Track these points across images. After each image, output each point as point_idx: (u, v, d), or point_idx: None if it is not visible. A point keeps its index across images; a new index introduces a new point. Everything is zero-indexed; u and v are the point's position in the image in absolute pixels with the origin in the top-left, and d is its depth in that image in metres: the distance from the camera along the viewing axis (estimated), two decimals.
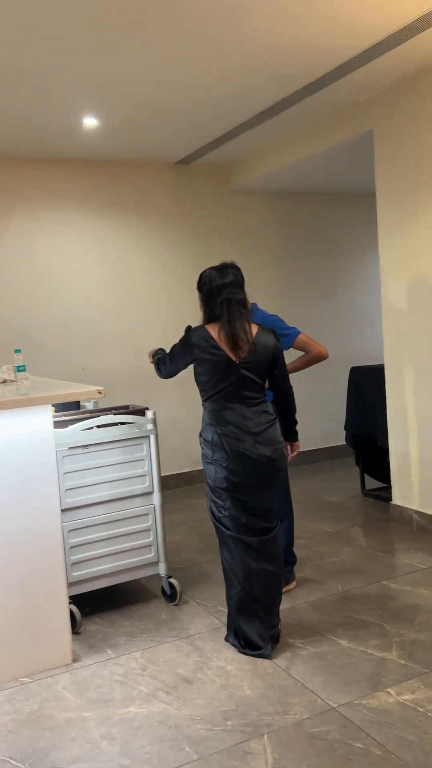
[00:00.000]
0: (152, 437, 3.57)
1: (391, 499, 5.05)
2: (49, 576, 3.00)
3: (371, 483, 5.48)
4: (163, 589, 3.64)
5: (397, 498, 4.67)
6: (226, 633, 3.18)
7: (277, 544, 3.07)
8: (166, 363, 3.24)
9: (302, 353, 3.60)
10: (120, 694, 2.77)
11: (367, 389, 5.17)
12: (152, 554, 3.60)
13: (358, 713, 2.52)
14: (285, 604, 3.42)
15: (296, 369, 3.59)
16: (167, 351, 3.25)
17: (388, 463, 5.29)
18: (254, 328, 3.06)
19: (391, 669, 2.81)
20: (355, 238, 6.87)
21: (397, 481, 4.66)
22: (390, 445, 4.68)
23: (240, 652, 3.03)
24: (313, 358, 3.60)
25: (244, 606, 3.02)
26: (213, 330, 3.03)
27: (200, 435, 3.11)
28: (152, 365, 3.40)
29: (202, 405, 3.13)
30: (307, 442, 6.37)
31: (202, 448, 3.08)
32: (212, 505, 3.09)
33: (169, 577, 3.61)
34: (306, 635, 3.15)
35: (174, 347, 3.17)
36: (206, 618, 3.40)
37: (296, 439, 3.30)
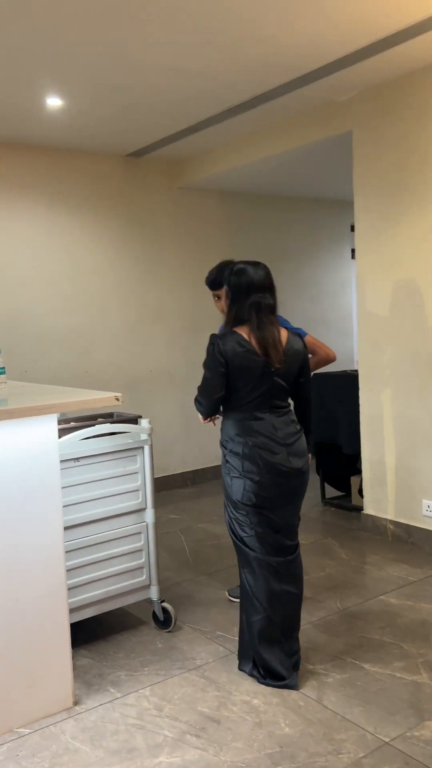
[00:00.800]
0: (147, 448, 3.26)
1: (354, 508, 4.98)
2: (50, 606, 2.63)
3: (329, 491, 5.38)
4: (154, 615, 3.33)
5: (369, 507, 4.58)
6: (238, 662, 2.92)
7: (300, 563, 2.86)
8: (205, 392, 2.80)
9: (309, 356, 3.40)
10: (143, 741, 2.45)
11: (328, 397, 5.06)
12: (144, 577, 3.28)
13: (415, 747, 2.34)
14: None
15: None
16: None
17: (347, 471, 5.23)
18: (284, 333, 2.82)
19: (427, 693, 2.66)
20: (305, 243, 6.79)
21: (369, 490, 4.57)
22: (363, 454, 4.59)
23: (260, 683, 2.79)
24: (321, 361, 3.42)
25: (267, 633, 2.77)
26: (245, 333, 2.76)
27: (223, 448, 2.84)
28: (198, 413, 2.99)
29: (224, 415, 2.87)
30: None
31: (227, 462, 2.81)
32: (234, 524, 2.83)
33: (162, 601, 3.31)
34: (324, 659, 2.95)
35: (206, 368, 2.79)
36: (207, 645, 3.13)
37: (310, 451, 3.10)
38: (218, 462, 4.99)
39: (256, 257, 6.31)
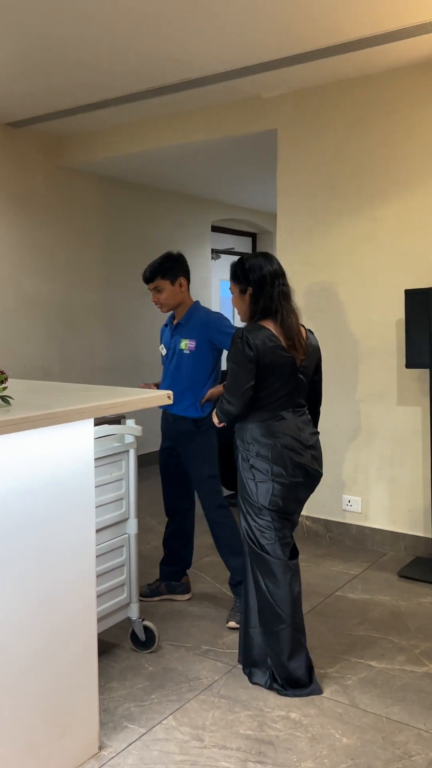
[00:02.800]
0: (132, 452, 2.94)
1: None
2: (80, 640, 2.25)
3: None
4: (133, 635, 3.02)
5: None
6: (249, 676, 2.76)
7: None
8: (237, 391, 2.62)
9: None
10: None
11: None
12: (125, 595, 2.96)
13: None
14: None
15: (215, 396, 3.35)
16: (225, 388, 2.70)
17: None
18: (302, 329, 2.75)
19: None
20: (173, 238, 6.65)
21: None
22: None
23: (282, 694, 2.66)
24: None
25: (294, 641, 2.66)
26: (272, 327, 2.63)
27: (246, 451, 2.68)
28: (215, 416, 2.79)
29: (242, 416, 2.70)
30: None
31: (253, 465, 2.66)
32: (255, 532, 2.68)
33: (143, 619, 3.01)
34: (330, 662, 2.91)
35: (234, 363, 2.62)
36: (202, 662, 2.92)
37: None
38: None
39: (130, 248, 6.15)
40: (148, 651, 2.99)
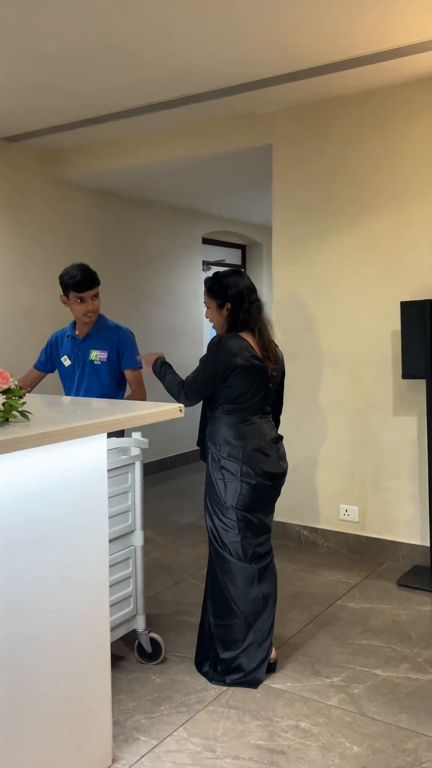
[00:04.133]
0: (138, 464, 2.96)
1: None
2: (94, 653, 2.26)
3: None
4: (139, 647, 3.03)
5: (281, 515, 4.65)
6: (197, 665, 2.93)
7: (274, 565, 2.95)
8: (195, 385, 2.81)
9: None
10: None
11: None
12: (131, 607, 2.97)
13: None
14: (276, 642, 3.15)
15: None
16: (176, 372, 2.90)
17: None
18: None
19: None
20: (164, 250, 6.69)
21: (279, 498, 4.62)
22: None
23: (216, 680, 2.83)
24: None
25: (239, 633, 2.82)
26: (249, 339, 2.81)
27: (217, 452, 2.82)
28: (159, 378, 2.90)
29: (216, 418, 2.85)
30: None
31: (223, 467, 2.80)
32: (219, 530, 2.84)
33: (149, 631, 3.02)
34: (335, 671, 2.93)
35: (205, 363, 2.80)
36: None
37: None
38: None
39: (124, 260, 6.16)
40: (155, 663, 3.00)
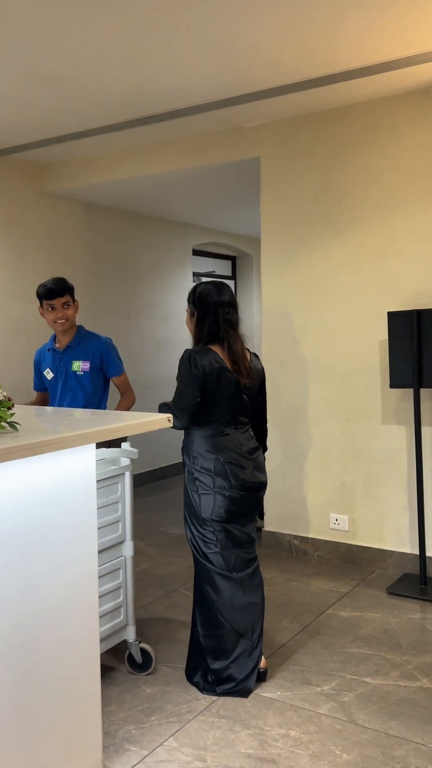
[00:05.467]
0: (128, 474, 2.98)
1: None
2: (84, 664, 2.27)
3: None
4: (130, 658, 3.03)
5: (271, 524, 4.67)
6: (188, 676, 2.93)
7: (260, 573, 2.97)
8: (183, 406, 2.81)
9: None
10: None
11: None
12: (122, 617, 2.98)
13: None
14: (266, 651, 3.17)
15: None
16: (173, 400, 2.89)
17: None
18: (247, 354, 2.96)
19: None
20: (155, 262, 6.72)
21: (271, 507, 4.66)
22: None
23: (206, 690, 2.84)
24: (130, 406, 3.68)
25: (227, 644, 2.83)
26: (218, 350, 2.84)
27: (192, 464, 2.85)
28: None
29: (190, 431, 2.88)
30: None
31: (197, 479, 2.83)
32: (199, 542, 2.86)
33: (140, 642, 3.03)
34: (325, 679, 2.95)
35: (181, 379, 2.84)
36: None
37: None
38: None
39: (114, 274, 6.21)
40: (146, 673, 3.01)
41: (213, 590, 2.84)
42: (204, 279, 7.66)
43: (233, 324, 2.90)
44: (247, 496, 2.86)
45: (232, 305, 2.93)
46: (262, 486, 2.93)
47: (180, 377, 2.83)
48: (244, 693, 2.82)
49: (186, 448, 2.91)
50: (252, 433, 2.98)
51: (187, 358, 2.82)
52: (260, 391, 3.03)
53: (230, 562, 2.84)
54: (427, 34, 3.25)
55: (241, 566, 2.87)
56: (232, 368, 2.83)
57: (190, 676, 2.93)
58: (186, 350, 2.87)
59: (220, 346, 2.85)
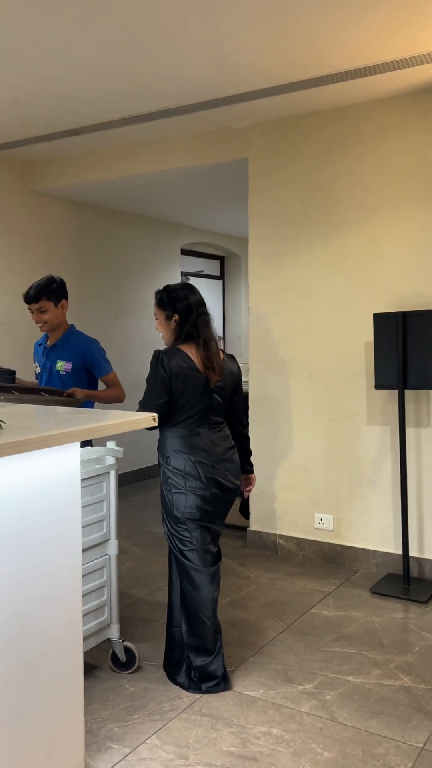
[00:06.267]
0: (113, 473, 2.98)
1: (228, 526, 5.05)
2: (67, 662, 2.27)
3: None
4: (114, 656, 3.04)
5: (256, 524, 4.69)
6: (169, 675, 2.95)
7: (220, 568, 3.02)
8: (149, 402, 2.85)
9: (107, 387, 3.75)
10: None
11: None
12: (105, 616, 2.98)
13: None
14: (250, 650, 3.19)
15: (96, 398, 3.62)
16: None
17: None
18: (220, 354, 2.99)
19: (421, 696, 2.82)
20: (143, 262, 6.73)
21: (257, 507, 4.68)
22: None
23: (191, 689, 2.86)
24: (116, 398, 3.71)
25: (209, 640, 2.87)
26: (189, 351, 2.87)
27: (165, 464, 2.89)
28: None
29: (163, 431, 2.92)
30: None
31: (170, 478, 2.86)
32: (175, 540, 2.88)
33: (123, 640, 3.03)
34: (308, 678, 2.97)
35: (149, 380, 2.88)
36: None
37: (253, 471, 3.25)
38: None
39: (102, 272, 6.20)
40: (129, 672, 3.02)
41: (191, 586, 2.87)
42: (193, 280, 7.67)
43: (208, 323, 2.95)
44: (220, 496, 2.89)
45: (204, 306, 2.98)
46: (234, 485, 2.95)
47: (148, 377, 2.88)
48: (228, 688, 2.85)
49: (160, 448, 2.95)
50: (228, 433, 3.00)
51: (156, 359, 2.87)
52: (235, 392, 3.04)
53: (204, 558, 2.88)
54: (414, 37, 3.28)
55: (212, 561, 2.91)
56: (203, 367, 2.87)
57: (172, 676, 2.94)
58: (155, 351, 2.91)
59: (195, 345, 2.89)
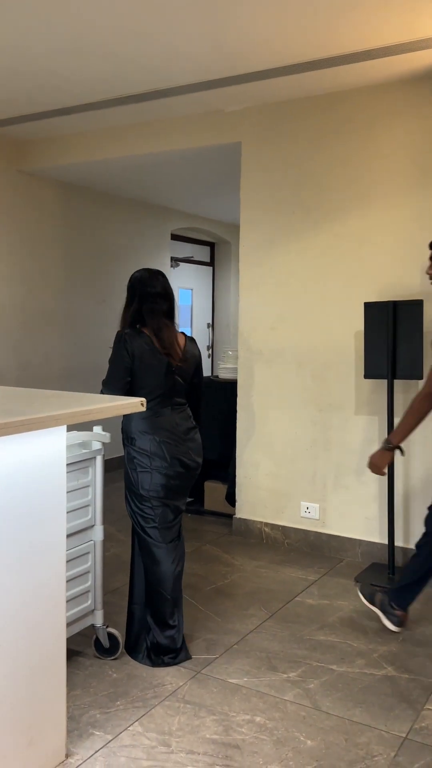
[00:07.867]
0: (99, 459, 2.95)
1: (212, 513, 5.04)
2: (49, 648, 2.25)
3: None
4: (97, 642, 3.01)
5: (242, 511, 4.67)
6: (133, 656, 2.99)
7: (183, 542, 3.09)
8: (111, 380, 2.90)
9: None
10: None
11: None
12: (89, 602, 2.96)
13: (429, 736, 2.48)
14: (234, 637, 3.18)
15: None
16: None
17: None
18: (182, 337, 3.07)
19: (404, 685, 2.83)
20: (132, 246, 6.66)
21: (243, 495, 4.66)
22: (238, 461, 4.66)
23: (151, 664, 2.93)
24: None
25: (169, 614, 2.95)
26: (149, 333, 2.93)
27: (130, 444, 2.93)
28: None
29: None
30: None
31: (135, 458, 2.92)
32: (138, 517, 2.95)
33: (107, 626, 3.01)
34: (291, 666, 2.96)
35: (111, 359, 2.92)
36: (167, 668, 2.93)
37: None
38: None
39: (90, 255, 6.13)
40: (112, 658, 3.00)
41: (152, 562, 2.95)
42: (183, 265, 7.61)
43: (158, 313, 2.96)
44: (184, 474, 2.97)
45: (162, 295, 2.98)
46: (197, 464, 3.03)
47: (111, 358, 2.93)
48: (187, 657, 2.98)
49: (124, 429, 2.99)
50: (189, 413, 3.08)
51: (119, 340, 2.92)
52: (196, 374, 3.12)
53: (165, 535, 2.95)
54: (410, 23, 3.23)
55: (173, 538, 2.99)
56: (163, 351, 2.92)
57: (134, 653, 2.99)
58: (118, 332, 2.95)
59: (150, 330, 2.95)
